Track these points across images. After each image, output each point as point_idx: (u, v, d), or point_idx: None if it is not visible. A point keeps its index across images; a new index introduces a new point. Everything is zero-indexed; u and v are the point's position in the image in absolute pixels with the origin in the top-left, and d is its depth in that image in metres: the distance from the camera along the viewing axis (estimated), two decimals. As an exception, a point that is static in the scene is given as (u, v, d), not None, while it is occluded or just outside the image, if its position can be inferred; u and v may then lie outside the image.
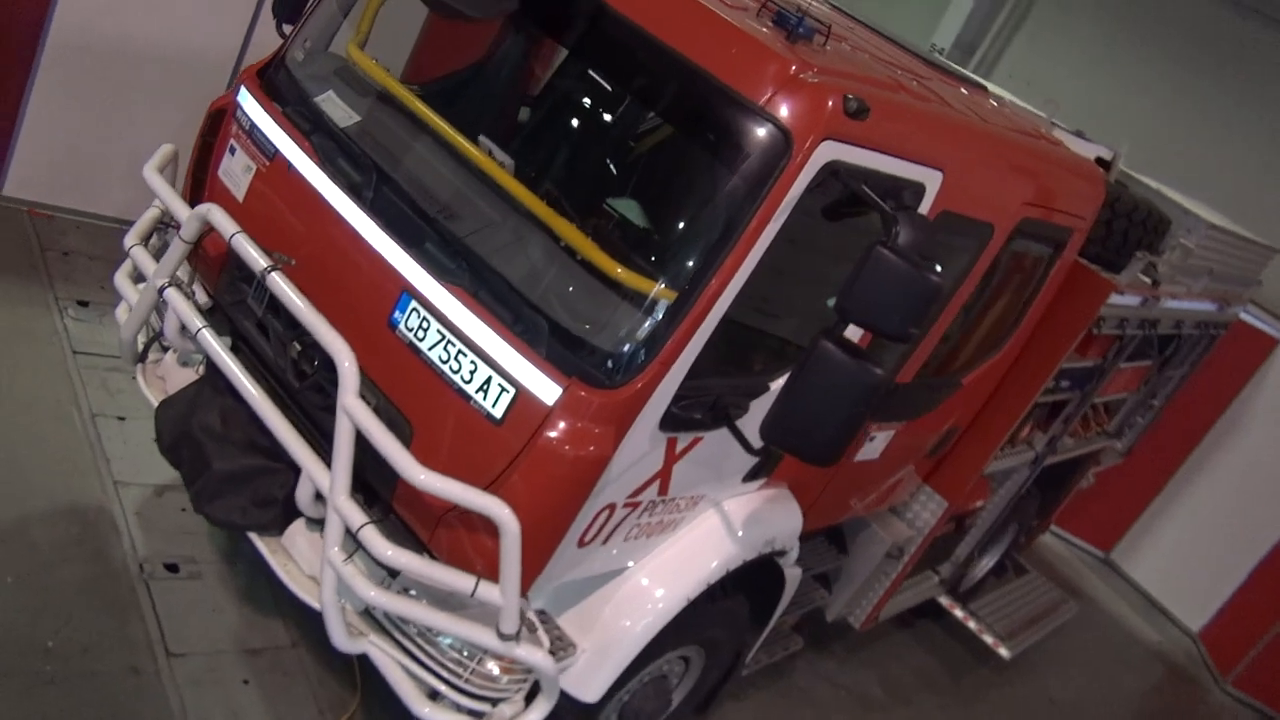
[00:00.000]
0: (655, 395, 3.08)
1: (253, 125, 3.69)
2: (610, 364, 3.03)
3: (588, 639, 3.60)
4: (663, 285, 3.02)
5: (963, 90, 4.40)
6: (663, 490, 3.44)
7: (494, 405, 3.06)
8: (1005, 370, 4.96)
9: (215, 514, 3.46)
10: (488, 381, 3.07)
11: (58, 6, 5.58)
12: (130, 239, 3.74)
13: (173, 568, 4.41)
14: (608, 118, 3.42)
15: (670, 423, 3.20)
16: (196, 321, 3.50)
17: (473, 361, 3.10)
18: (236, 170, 3.74)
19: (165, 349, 3.94)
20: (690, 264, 3.02)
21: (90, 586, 4.16)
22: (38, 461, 4.55)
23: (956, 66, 5.06)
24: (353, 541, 3.20)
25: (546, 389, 3.00)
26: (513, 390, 3.04)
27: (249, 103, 3.73)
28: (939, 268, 2.93)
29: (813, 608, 5.15)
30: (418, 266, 3.22)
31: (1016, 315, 4.75)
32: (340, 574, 3.14)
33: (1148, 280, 5.61)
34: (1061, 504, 7.63)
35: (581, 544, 3.34)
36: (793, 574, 4.38)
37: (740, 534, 3.84)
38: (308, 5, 3.86)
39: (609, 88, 3.28)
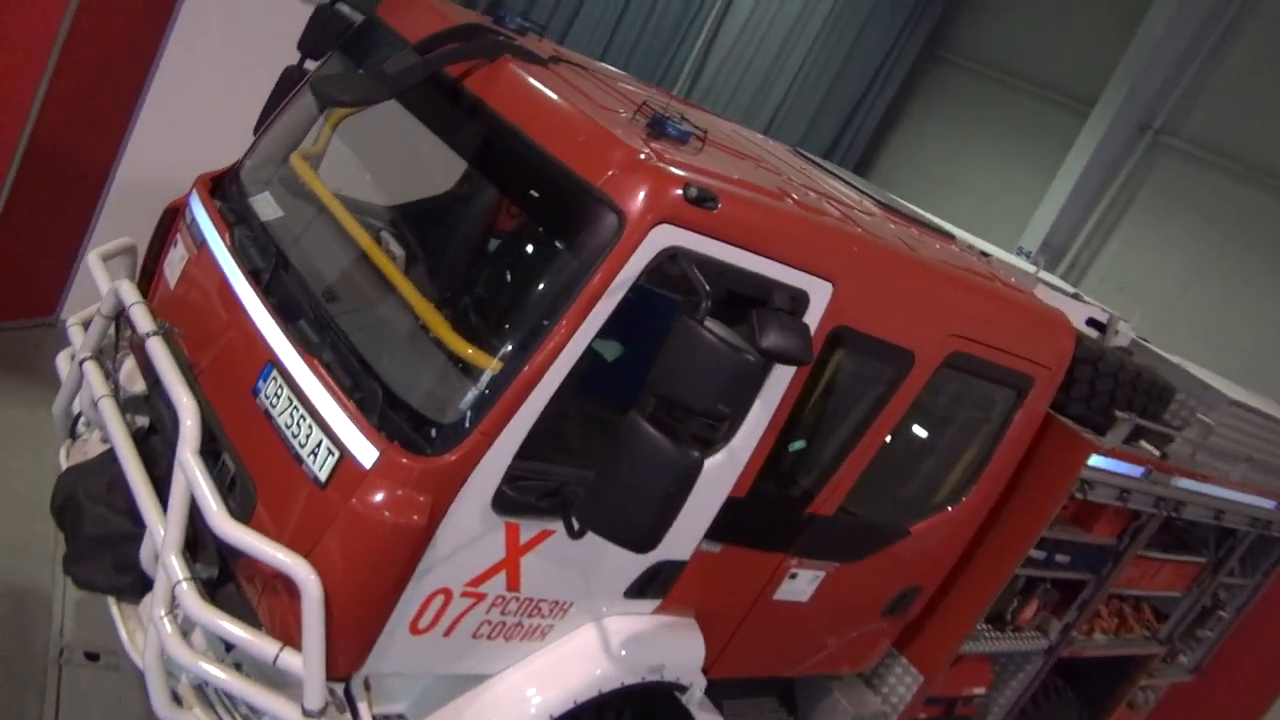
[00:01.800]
0: (480, 469, 3.04)
1: (193, 220, 3.98)
2: (432, 431, 3.02)
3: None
4: (489, 355, 3.03)
5: (911, 230, 4.37)
6: (511, 584, 3.32)
7: (320, 468, 3.08)
8: (971, 528, 4.64)
9: (78, 575, 3.52)
10: (319, 445, 3.10)
11: (125, 153, 6.24)
12: (71, 319, 4.01)
13: (93, 656, 4.46)
14: (473, 203, 3.55)
15: (503, 504, 3.13)
16: (99, 390, 3.68)
17: (310, 426, 3.14)
18: (175, 260, 4.01)
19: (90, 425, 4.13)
20: (518, 336, 3.03)
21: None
22: (-1, 542, 4.77)
23: (923, 214, 5.03)
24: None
25: (366, 452, 3.00)
26: (338, 453, 3.05)
27: (195, 202, 4.03)
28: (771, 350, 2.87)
29: (760, 775, 4.74)
30: (286, 340, 3.33)
31: (975, 464, 4.48)
32: (159, 630, 3.12)
33: (1154, 451, 5.23)
34: (1109, 716, 6.87)
35: (416, 630, 3.23)
36: (707, 720, 4.09)
37: (621, 653, 3.64)
38: (265, 123, 4.21)
39: (478, 173, 3.42)
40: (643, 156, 3.08)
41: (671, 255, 3.04)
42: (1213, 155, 10.82)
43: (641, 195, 2.99)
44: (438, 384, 3.17)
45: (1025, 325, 4.38)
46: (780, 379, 3.51)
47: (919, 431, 4.39)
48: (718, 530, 3.69)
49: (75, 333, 3.97)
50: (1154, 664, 6.64)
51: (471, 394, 3.02)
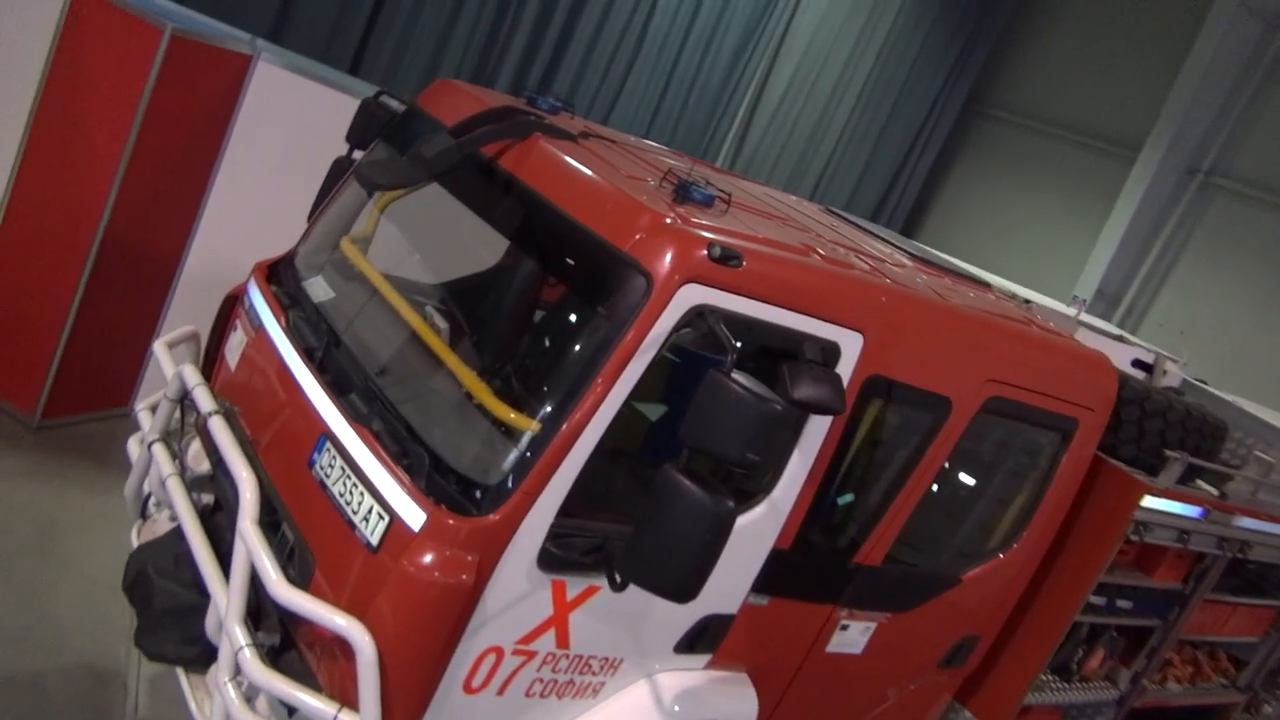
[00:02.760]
0: (524, 528, 3.14)
1: (251, 305, 4.19)
2: (477, 493, 3.14)
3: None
4: (529, 417, 3.16)
5: (945, 280, 4.44)
6: (561, 641, 3.40)
7: (372, 533, 3.21)
8: (1026, 574, 4.61)
9: (149, 648, 3.67)
10: (370, 511, 3.23)
11: (192, 248, 6.57)
12: (140, 405, 4.23)
13: (168, 730, 4.60)
14: (514, 275, 3.70)
15: (548, 561, 3.22)
16: (166, 470, 3.87)
17: (361, 493, 3.28)
18: (235, 344, 4.23)
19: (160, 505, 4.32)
20: (556, 398, 3.15)
21: (82, 739, 4.40)
22: (76, 623, 4.96)
23: (958, 263, 5.10)
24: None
25: (414, 515, 3.13)
26: (388, 518, 3.18)
27: (253, 288, 4.26)
28: (802, 399, 2.97)
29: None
30: (338, 413, 3.49)
31: (1025, 509, 4.48)
32: (224, 697, 3.24)
33: (1213, 491, 5.16)
34: (1192, 771, 6.65)
35: (470, 690, 3.31)
36: (764, 779, 4.08)
37: (674, 708, 3.68)
38: (316, 211, 4.44)
39: (515, 246, 3.58)
40: (669, 221, 3.22)
41: (700, 313, 3.15)
42: (1265, 193, 10.74)
43: (668, 256, 3.12)
44: (481, 448, 3.30)
45: (1065, 367, 4.40)
46: (817, 430, 3.59)
47: (964, 478, 4.41)
48: (764, 583, 3.74)
49: (144, 417, 4.18)
50: (1235, 713, 6.44)
51: (513, 455, 3.14)
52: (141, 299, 6.51)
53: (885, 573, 4.07)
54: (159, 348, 4.18)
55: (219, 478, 3.98)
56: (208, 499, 4.05)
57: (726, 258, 3.17)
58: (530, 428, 3.15)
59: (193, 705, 3.55)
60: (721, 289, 3.20)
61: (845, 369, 3.56)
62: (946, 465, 4.08)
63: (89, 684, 4.68)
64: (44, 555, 5.39)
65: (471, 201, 3.75)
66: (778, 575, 3.75)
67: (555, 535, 3.20)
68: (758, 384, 2.91)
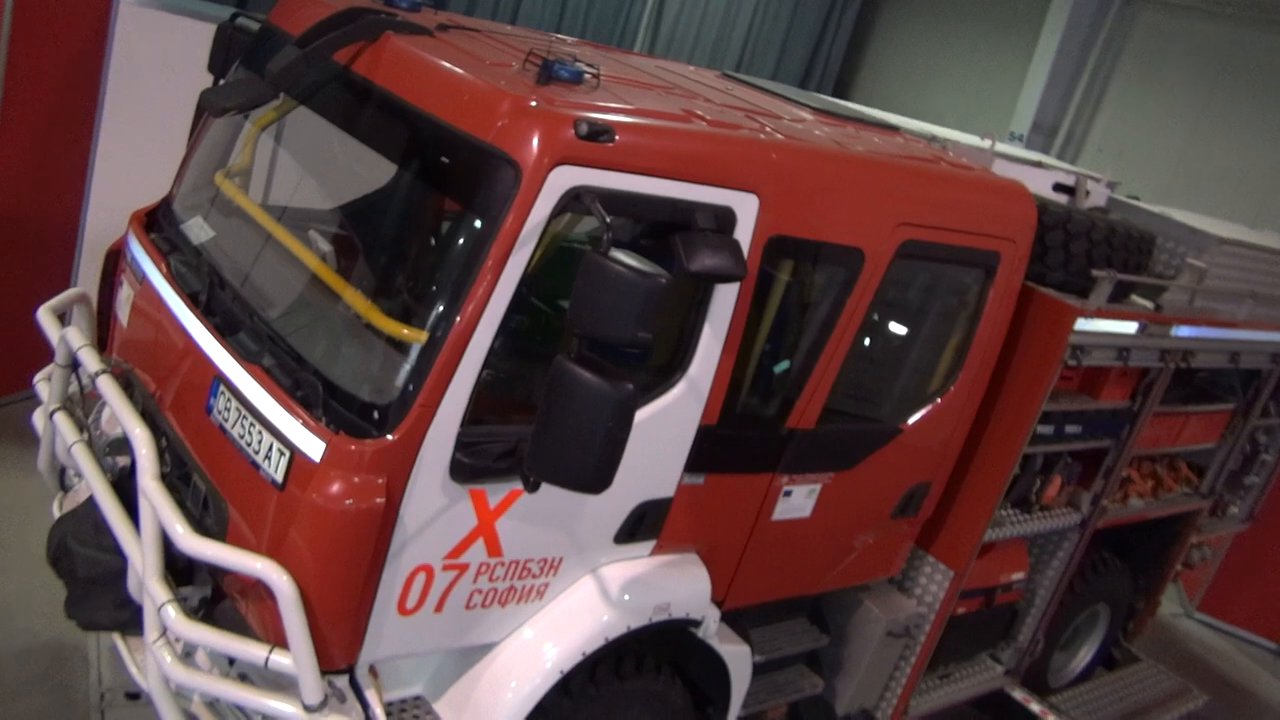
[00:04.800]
0: (429, 442, 3.04)
1: (132, 257, 4.02)
2: (374, 413, 3.03)
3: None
4: (416, 328, 3.03)
5: (847, 129, 4.30)
6: (492, 550, 3.34)
7: (276, 470, 3.10)
8: (968, 415, 4.58)
9: (81, 617, 3.60)
10: (270, 449, 3.13)
11: (88, 208, 6.31)
12: (37, 376, 4.08)
13: (133, 695, 4.56)
14: (386, 186, 3.54)
15: (461, 472, 3.13)
16: (69, 437, 3.74)
17: (260, 432, 3.17)
18: (124, 299, 4.06)
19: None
20: (439, 305, 3.02)
21: (44, 716, 4.35)
22: (26, 603, 4.87)
23: (864, 111, 4.94)
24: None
25: (313, 445, 3.02)
26: (288, 453, 3.07)
27: (132, 239, 4.07)
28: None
29: (803, 696, 4.74)
30: (227, 355, 3.36)
31: (958, 350, 4.42)
32: (155, 656, 3.17)
33: (1148, 305, 5.11)
34: (1165, 580, 6.77)
35: (405, 611, 3.25)
36: (731, 651, 4.09)
37: (623, 598, 3.64)
38: (187, 151, 4.23)
39: (381, 155, 3.41)
40: (532, 104, 3.05)
41: (576, 195, 3.01)
42: (1188, 0, 10.53)
43: (534, 140, 2.96)
44: (373, 367, 3.19)
45: (979, 201, 4.30)
46: (725, 300, 3.48)
47: (890, 327, 4.33)
48: (697, 461, 3.67)
49: (42, 388, 4.03)
50: (1201, 519, 6.53)
51: (405, 369, 3.03)
52: (45, 270, 6.27)
53: (821, 434, 4.01)
54: (43, 314, 4.01)
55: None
56: (124, 461, 3.93)
57: (596, 133, 3.01)
58: (418, 339, 3.03)
59: (133, 669, 3.49)
60: (596, 167, 3.06)
61: (744, 233, 3.43)
62: (870, 317, 4.00)
63: (47, 663, 4.62)
64: (-17, 541, 5.29)
65: (332, 115, 3.56)
66: (709, 452, 3.68)
67: (464, 444, 3.10)
68: (638, 259, 2.78)
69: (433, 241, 3.42)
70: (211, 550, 3.08)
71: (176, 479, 3.54)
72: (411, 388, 3.00)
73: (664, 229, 3.22)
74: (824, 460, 4.12)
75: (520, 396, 3.31)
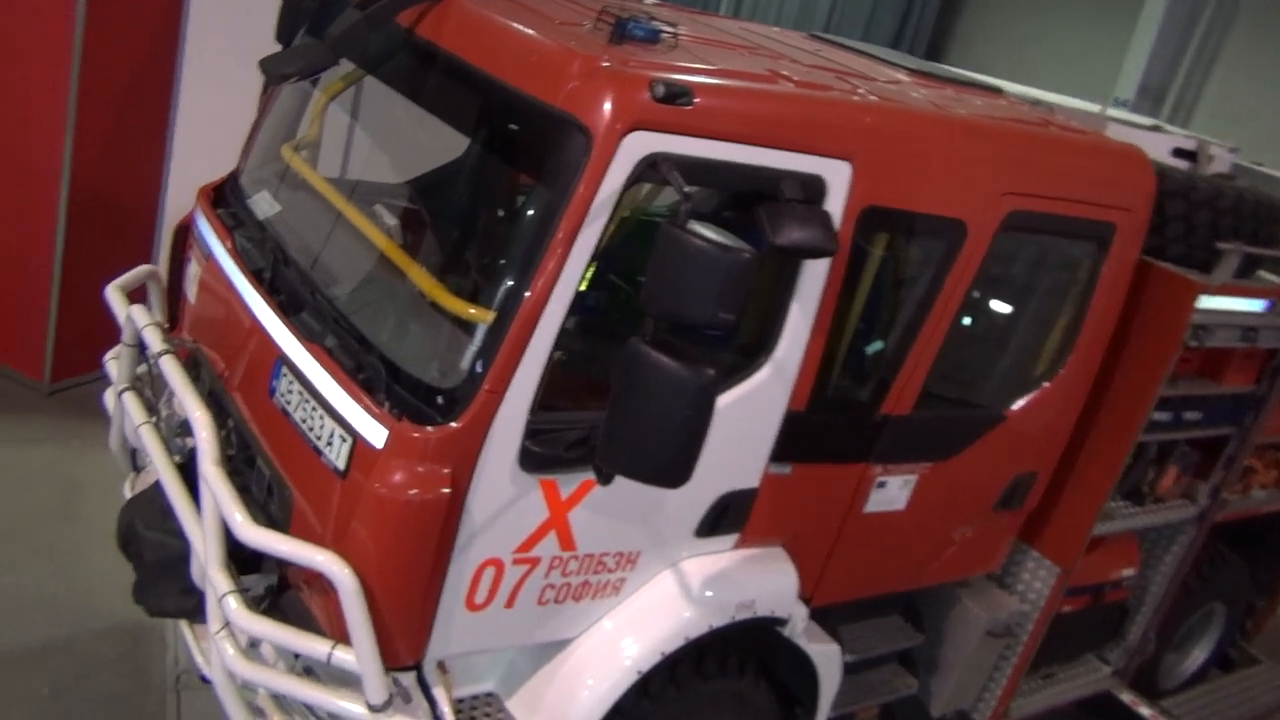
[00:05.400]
0: (497, 429, 2.85)
1: (199, 233, 3.91)
2: (438, 398, 2.85)
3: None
4: (481, 307, 2.84)
5: (946, 91, 3.98)
6: (565, 543, 3.14)
7: (338, 457, 2.95)
8: (1078, 400, 4.24)
9: (148, 603, 3.51)
10: (332, 434, 2.97)
11: (169, 180, 6.28)
12: (107, 355, 4.00)
13: (208, 678, 4.49)
14: (454, 156, 3.35)
15: (531, 461, 2.94)
16: (137, 418, 3.65)
17: (322, 417, 3.02)
18: (192, 277, 3.96)
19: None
20: (506, 282, 2.82)
21: (121, 698, 4.32)
22: (107, 583, 4.85)
23: (963, 73, 4.59)
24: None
25: (376, 432, 2.86)
26: (350, 439, 2.92)
27: (199, 215, 3.96)
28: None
29: (896, 697, 4.48)
30: (290, 335, 3.22)
31: (1068, 331, 4.08)
32: (217, 648, 3.06)
33: (1278, 280, 4.70)
34: (1289, 577, 6.32)
35: (474, 606, 3.08)
36: (820, 651, 3.85)
37: (705, 594, 3.43)
38: (254, 123, 4.11)
39: (448, 123, 3.22)
40: (604, 64, 2.82)
41: (652, 163, 2.78)
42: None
43: (606, 104, 2.73)
44: (437, 349, 3.01)
45: (1092, 168, 3.94)
46: (815, 276, 3.22)
47: (994, 306, 4.02)
48: (783, 450, 3.43)
49: (112, 368, 3.95)
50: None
51: (471, 352, 2.84)
52: (128, 243, 6.27)
53: (918, 420, 3.73)
54: (111, 292, 3.92)
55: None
56: (193, 443, 3.84)
57: (673, 96, 2.77)
58: (484, 319, 2.83)
59: (199, 658, 3.41)
60: (674, 132, 2.81)
61: (835, 204, 3.16)
62: (972, 294, 3.69)
63: (124, 643, 4.60)
64: (69, 518, 5.31)
65: (396, 81, 3.38)
66: (797, 440, 3.44)
67: (533, 432, 2.91)
68: (719, 232, 2.54)
69: (500, 214, 3.23)
70: (270, 541, 2.95)
71: (242, 462, 3.43)
72: (478, 371, 2.81)
73: (748, 200, 2.97)
74: (921, 449, 3.84)
75: (595, 380, 3.10)
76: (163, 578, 3.49)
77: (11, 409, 6.07)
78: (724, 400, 3.08)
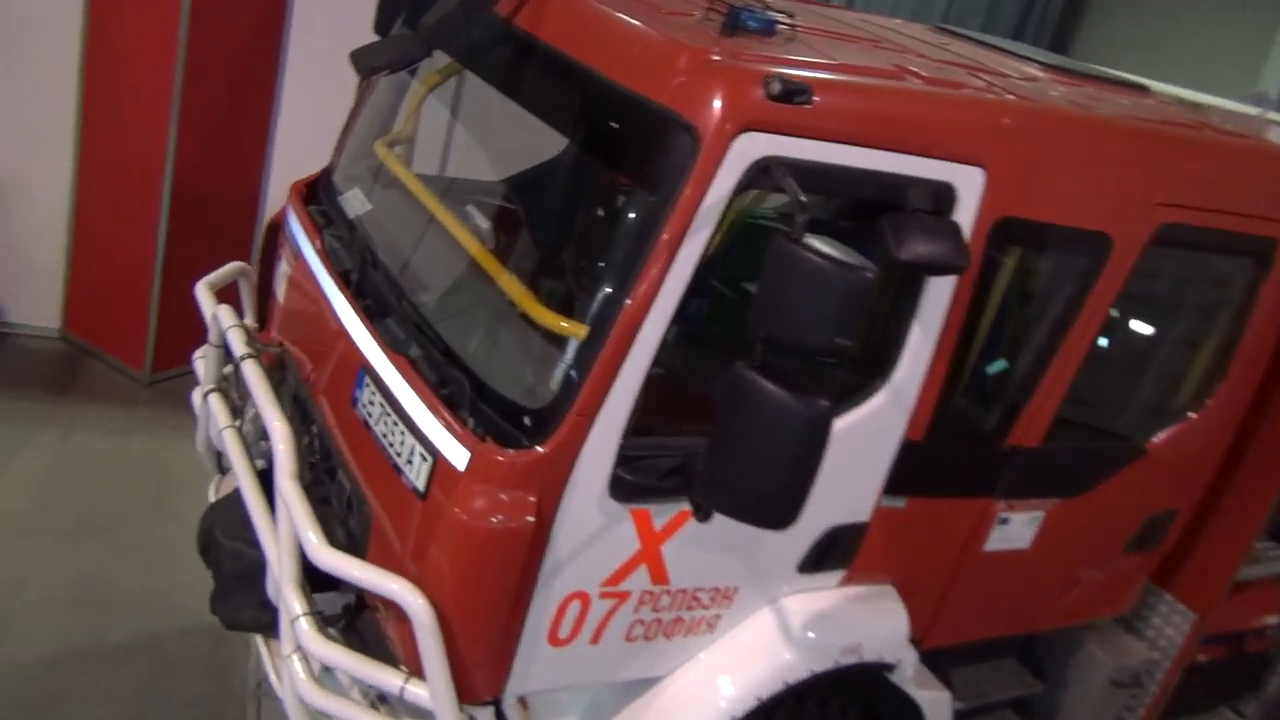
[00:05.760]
0: (586, 454, 2.63)
1: (290, 230, 3.78)
2: (525, 419, 2.64)
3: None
4: (574, 321, 2.62)
5: (1087, 89, 3.62)
6: (657, 577, 2.91)
7: (417, 477, 2.76)
8: (1227, 432, 3.83)
9: (224, 615, 3.39)
10: (413, 452, 2.79)
11: (271, 173, 6.24)
12: (196, 354, 3.91)
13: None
14: (551, 156, 3.13)
15: (622, 490, 2.71)
16: (221, 421, 3.53)
17: (403, 432, 2.84)
18: (281, 276, 3.84)
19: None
20: (602, 294, 2.59)
21: (202, 701, 4.25)
22: (195, 580, 4.79)
23: (1104, 70, 4.19)
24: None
25: (457, 453, 2.66)
26: (431, 458, 2.73)
27: (290, 212, 3.84)
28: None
29: (1011, 749, 4.14)
30: (374, 342, 3.05)
31: (1219, 356, 3.68)
32: (289, 672, 2.91)
33: None
34: None
35: (557, 641, 2.87)
36: (929, 698, 3.54)
37: (806, 636, 3.16)
38: (349, 118, 3.96)
39: (545, 120, 3.00)
40: (715, 58, 2.57)
41: (765, 168, 2.51)
42: None
43: (715, 102, 2.47)
44: (526, 364, 2.80)
45: (1254, 177, 3.54)
46: (940, 293, 2.92)
47: (1138, 328, 3.65)
48: (898, 482, 3.14)
49: (199, 367, 3.86)
50: None
51: (560, 369, 2.62)
52: (229, 237, 6.25)
53: (1049, 453, 3.39)
54: (200, 289, 3.82)
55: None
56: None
57: (791, 93, 2.50)
58: (576, 333, 2.61)
59: (272, 675, 3.26)
60: (790, 133, 2.55)
61: (965, 214, 2.85)
62: (1113, 315, 3.34)
63: (209, 645, 4.53)
64: (161, 512, 5.28)
65: (493, 75, 3.18)
66: (914, 471, 3.14)
67: (626, 458, 2.68)
68: (839, 247, 2.27)
69: (598, 219, 2.99)
70: (343, 565, 2.77)
71: (324, 472, 3.28)
72: (568, 391, 2.59)
73: (869, 209, 2.69)
74: (1051, 484, 3.50)
75: (696, 401, 2.85)
76: (240, 589, 3.36)
77: (113, 398, 6.10)
78: (836, 427, 2.79)
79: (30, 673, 4.16)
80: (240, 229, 6.28)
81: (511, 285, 2.88)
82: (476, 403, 2.71)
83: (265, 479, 3.34)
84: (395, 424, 2.86)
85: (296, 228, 3.71)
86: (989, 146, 2.86)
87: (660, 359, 2.61)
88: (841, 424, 2.91)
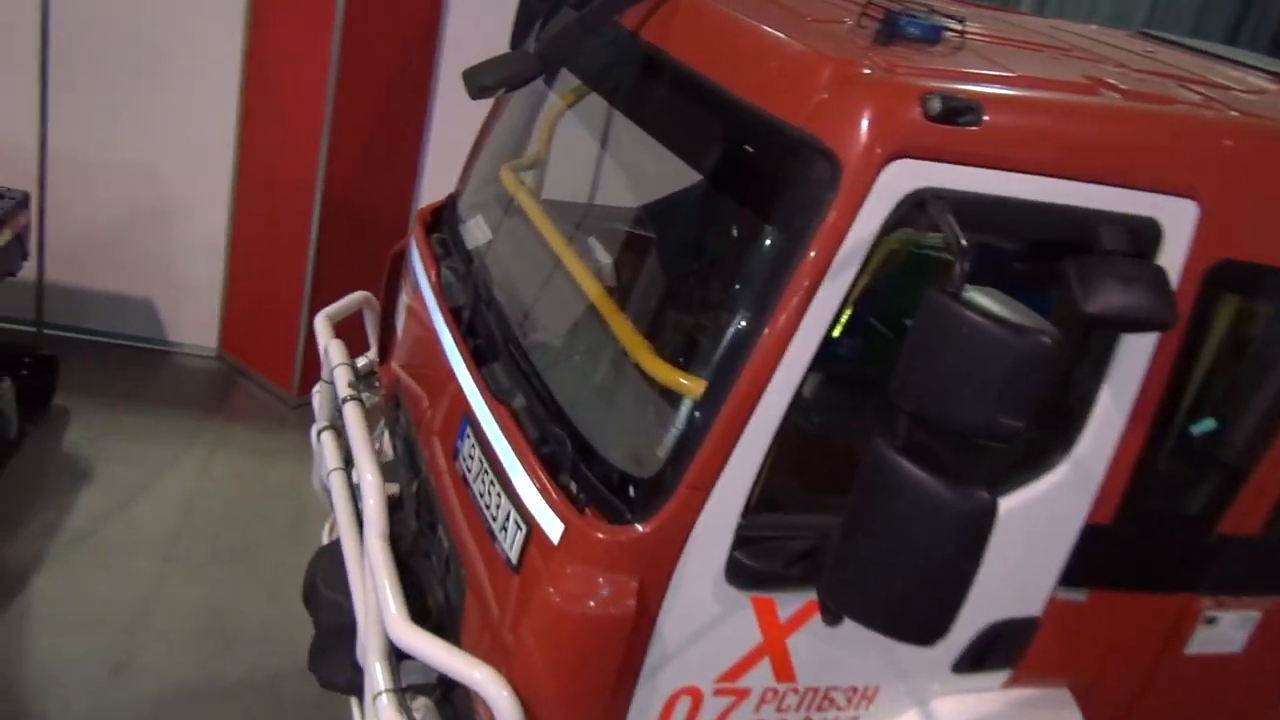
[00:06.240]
0: (699, 534, 2.26)
1: (410, 260, 3.57)
2: (631, 489, 2.29)
3: None
4: (689, 379, 2.25)
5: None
6: (782, 673, 2.50)
7: (511, 546, 2.46)
8: None
9: (320, 673, 3.17)
10: (508, 517, 2.48)
11: (420, 197, 6.14)
12: (316, 387, 3.74)
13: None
14: (665, 184, 2.77)
15: (740, 575, 2.32)
16: (330, 463, 3.33)
17: (499, 493, 2.53)
18: (401, 308, 3.63)
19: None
20: (718, 347, 2.22)
21: (311, 748, 4.08)
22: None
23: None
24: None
25: (553, 524, 2.33)
26: (526, 527, 2.41)
27: (413, 240, 3.63)
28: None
29: None
30: (478, 389, 2.77)
31: None
32: (370, 747, 2.65)
33: None
34: None
35: (664, 740, 2.50)
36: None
37: (960, 749, 2.69)
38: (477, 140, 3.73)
39: (671, 144, 2.64)
40: (865, 71, 2.16)
41: (920, 202, 2.09)
42: None
43: (861, 122, 2.07)
44: (636, 423, 2.45)
45: None
46: (1137, 352, 2.42)
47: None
48: (1079, 572, 2.64)
49: (316, 402, 3.68)
50: None
51: (672, 434, 2.25)
52: (378, 257, 6.14)
53: (1270, 542, 2.81)
54: (319, 321, 3.65)
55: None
56: (391, 490, 3.50)
57: (954, 112, 2.07)
58: (692, 392, 2.24)
59: (361, 740, 3.01)
60: (952, 161, 2.12)
61: (1172, 258, 2.34)
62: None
63: (322, 692, 4.35)
64: (294, 542, 5.18)
65: (615, 94, 2.86)
66: (1098, 560, 2.63)
67: (746, 540, 2.29)
68: (1008, 304, 1.83)
69: (722, 260, 2.61)
70: (422, 645, 2.47)
71: (426, 525, 3.02)
72: (679, 459, 2.22)
73: (1049, 251, 2.22)
74: (1272, 579, 2.90)
75: (829, 479, 2.44)
76: (337, 646, 3.13)
77: (260, 420, 6.10)
78: (1004, 507, 2.35)
79: (141, 709, 4.08)
80: (389, 251, 6.19)
81: (624, 331, 2.54)
82: (579, 466, 2.38)
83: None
84: (492, 483, 2.57)
85: (415, 257, 3.49)
86: (1204, 174, 2.34)
87: (787, 428, 2.21)
88: (1011, 503, 2.45)
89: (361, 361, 3.95)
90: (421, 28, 5.70)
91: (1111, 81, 2.49)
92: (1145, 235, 2.28)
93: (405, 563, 3.01)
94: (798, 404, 2.20)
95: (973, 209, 2.10)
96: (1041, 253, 2.21)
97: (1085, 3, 10.00)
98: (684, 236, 2.73)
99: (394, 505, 3.39)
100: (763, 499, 2.28)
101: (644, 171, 2.99)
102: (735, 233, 2.46)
